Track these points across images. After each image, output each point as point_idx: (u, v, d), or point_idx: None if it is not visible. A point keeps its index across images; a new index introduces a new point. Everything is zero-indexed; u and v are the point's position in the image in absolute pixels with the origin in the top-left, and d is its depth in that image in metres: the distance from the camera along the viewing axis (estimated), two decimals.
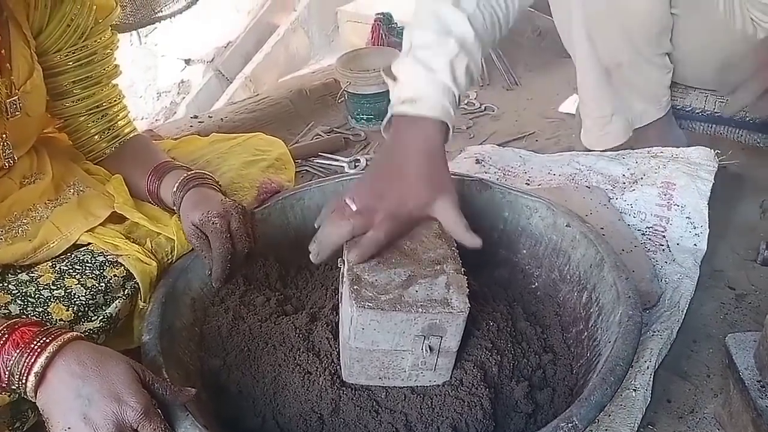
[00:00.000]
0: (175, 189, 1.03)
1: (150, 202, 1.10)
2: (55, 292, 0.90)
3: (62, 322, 0.87)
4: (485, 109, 2.03)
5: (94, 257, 0.96)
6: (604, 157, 1.50)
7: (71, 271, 0.93)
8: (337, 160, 1.76)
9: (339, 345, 0.90)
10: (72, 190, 1.06)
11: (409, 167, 0.92)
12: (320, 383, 0.87)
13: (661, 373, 1.03)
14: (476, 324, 0.92)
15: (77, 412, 0.71)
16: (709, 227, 1.29)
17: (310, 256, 0.90)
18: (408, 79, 0.99)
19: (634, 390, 0.97)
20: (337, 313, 0.94)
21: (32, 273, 0.92)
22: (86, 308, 0.91)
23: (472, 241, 0.90)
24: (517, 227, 1.13)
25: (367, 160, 1.75)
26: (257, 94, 2.18)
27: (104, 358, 0.76)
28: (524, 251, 1.12)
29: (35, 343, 0.74)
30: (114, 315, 0.93)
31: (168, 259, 1.02)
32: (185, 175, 1.04)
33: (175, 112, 3.06)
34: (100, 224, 1.01)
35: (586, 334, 0.94)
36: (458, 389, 0.86)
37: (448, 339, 0.82)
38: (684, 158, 1.41)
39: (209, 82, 3.13)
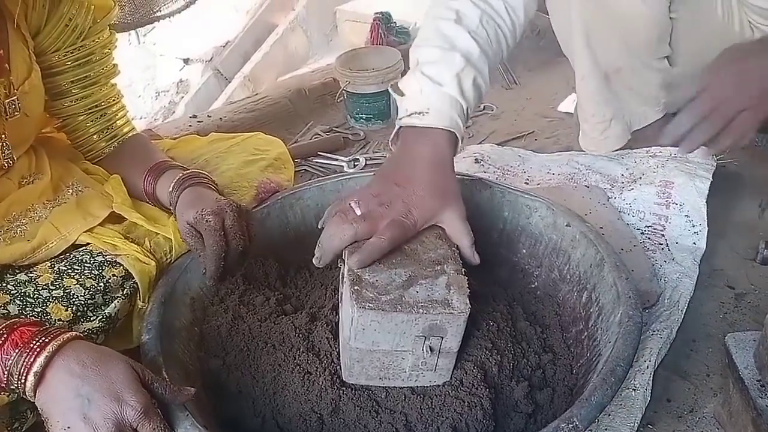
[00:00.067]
0: (170, 188, 1.03)
1: (147, 202, 1.09)
2: (54, 292, 0.90)
3: (61, 322, 0.87)
4: (484, 109, 2.03)
5: (93, 257, 0.96)
6: (603, 157, 1.51)
7: (70, 271, 0.93)
8: (336, 160, 1.75)
9: (339, 345, 0.90)
10: (71, 190, 1.05)
11: (417, 176, 0.92)
12: (320, 383, 0.87)
13: (660, 373, 1.03)
14: (476, 324, 0.92)
15: (77, 411, 0.71)
16: (708, 226, 1.29)
17: (313, 259, 0.90)
18: (416, 94, 1.00)
19: (634, 390, 0.97)
20: (337, 313, 0.94)
21: (31, 273, 0.92)
22: (85, 308, 0.91)
23: (473, 259, 0.92)
24: (517, 227, 1.13)
25: (366, 160, 1.74)
26: (256, 94, 2.18)
27: (104, 358, 0.75)
28: (524, 251, 1.12)
29: (34, 342, 0.74)
30: (113, 315, 0.93)
31: (167, 259, 1.02)
32: (181, 174, 1.04)
33: (174, 112, 3.06)
34: (99, 224, 1.01)
35: (586, 334, 0.94)
36: (458, 389, 0.86)
37: (448, 339, 0.82)
38: (682, 157, 1.42)
39: (208, 81, 3.13)
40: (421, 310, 0.80)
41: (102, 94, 1.12)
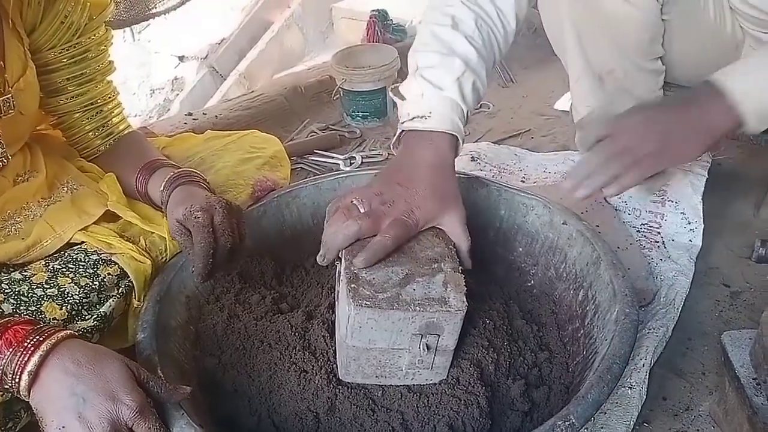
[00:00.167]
0: (162, 187, 1.02)
1: (141, 201, 1.09)
2: (49, 290, 0.89)
3: (56, 321, 0.87)
4: (480, 107, 2.02)
5: (88, 256, 0.95)
6: None
7: (64, 269, 0.93)
8: (333, 158, 1.75)
9: (335, 343, 0.90)
10: (65, 188, 1.05)
11: (419, 178, 0.93)
12: (316, 382, 0.87)
13: (656, 371, 1.03)
14: (473, 322, 0.92)
15: (72, 410, 0.70)
16: (703, 224, 1.29)
17: (317, 257, 0.90)
18: (417, 98, 1.01)
19: (630, 388, 0.97)
20: (333, 312, 0.94)
21: (25, 272, 0.91)
22: (80, 307, 0.90)
23: (466, 263, 0.93)
24: (514, 225, 1.13)
25: (362, 158, 1.74)
26: (252, 91, 2.17)
27: (99, 356, 0.75)
28: (520, 249, 1.12)
29: (28, 341, 0.73)
30: (108, 314, 0.93)
31: (162, 258, 1.01)
32: (172, 173, 1.03)
33: (169, 109, 3.05)
34: (94, 222, 1.00)
35: (582, 332, 0.94)
36: (455, 387, 0.86)
37: (445, 337, 0.82)
38: None
39: (203, 78, 3.12)
40: (417, 308, 0.80)
41: (98, 91, 1.11)
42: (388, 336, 0.82)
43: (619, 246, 1.22)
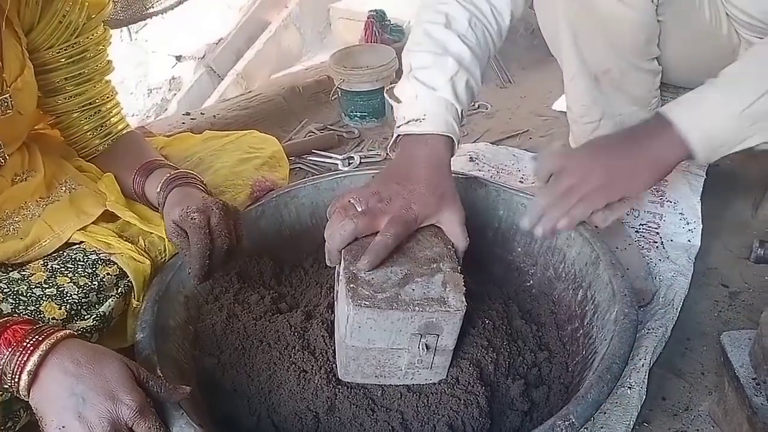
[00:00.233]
0: (158, 189, 1.02)
1: (138, 201, 1.09)
2: (47, 290, 0.89)
3: (55, 321, 0.87)
4: (478, 107, 2.03)
5: (87, 256, 0.95)
6: None
7: (63, 269, 0.92)
8: (331, 158, 1.75)
9: (334, 343, 0.90)
10: (64, 188, 1.05)
11: (416, 175, 0.93)
12: (316, 381, 0.87)
13: (655, 371, 1.04)
14: (472, 322, 0.92)
15: (71, 410, 0.70)
16: (702, 224, 1.30)
17: (326, 261, 0.91)
18: (411, 100, 1.01)
19: (630, 388, 0.97)
20: (332, 311, 0.93)
21: (24, 271, 0.91)
22: (79, 307, 0.90)
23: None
24: (512, 225, 1.13)
25: (360, 158, 1.74)
26: (249, 91, 2.17)
27: (98, 356, 0.75)
28: (519, 249, 1.12)
29: (28, 341, 0.73)
30: (107, 314, 0.93)
31: (161, 258, 1.01)
32: (168, 174, 1.03)
33: (166, 109, 3.04)
34: (93, 222, 1.00)
35: (581, 332, 0.94)
36: (454, 387, 0.86)
37: (444, 337, 0.82)
38: None
39: (200, 78, 3.12)
40: (417, 308, 0.79)
41: (96, 91, 1.11)
42: (387, 336, 0.81)
43: (617, 246, 1.22)
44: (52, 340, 0.74)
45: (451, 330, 0.82)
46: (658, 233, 1.29)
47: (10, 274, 0.91)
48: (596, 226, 1.03)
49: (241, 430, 0.87)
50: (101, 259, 0.95)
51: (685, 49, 1.26)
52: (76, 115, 1.10)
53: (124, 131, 1.16)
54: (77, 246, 0.97)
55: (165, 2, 1.86)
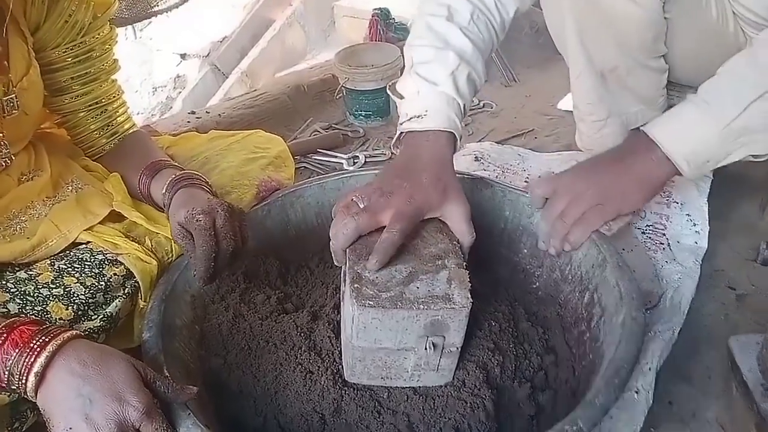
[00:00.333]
0: (164, 190, 1.02)
1: (144, 201, 1.09)
2: (54, 290, 0.89)
3: (62, 321, 0.86)
4: (483, 106, 2.03)
5: (93, 256, 0.95)
6: None
7: (70, 269, 0.92)
8: (336, 157, 1.75)
9: (340, 344, 0.90)
10: (70, 188, 1.05)
11: (418, 168, 0.93)
12: (322, 383, 0.87)
13: (662, 375, 1.03)
14: (478, 324, 0.92)
15: (78, 412, 0.70)
16: (709, 225, 1.29)
17: (334, 261, 0.91)
18: (413, 96, 1.02)
19: (637, 392, 0.96)
20: (339, 312, 0.93)
21: (31, 271, 0.91)
22: (86, 307, 0.90)
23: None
24: (518, 226, 1.12)
25: (365, 157, 1.74)
26: (254, 90, 2.17)
27: (105, 357, 0.75)
28: (525, 250, 1.12)
29: (35, 342, 0.73)
30: (114, 314, 0.93)
31: (168, 258, 1.01)
32: (174, 175, 1.03)
33: (171, 107, 3.05)
34: (99, 222, 1.00)
35: (588, 335, 0.94)
36: (461, 390, 0.85)
37: (451, 335, 0.82)
38: None
39: (205, 76, 3.12)
40: (422, 306, 0.79)
41: (102, 90, 1.11)
42: (394, 335, 0.81)
43: (624, 248, 1.21)
44: (59, 341, 0.74)
45: (458, 327, 0.81)
46: (664, 234, 1.29)
47: (17, 273, 0.91)
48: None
49: (247, 431, 0.87)
50: (108, 260, 0.95)
51: (692, 47, 1.26)
52: (82, 114, 1.10)
53: (131, 130, 1.16)
54: (84, 246, 0.97)
55: (169, 1, 1.86)
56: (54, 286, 0.89)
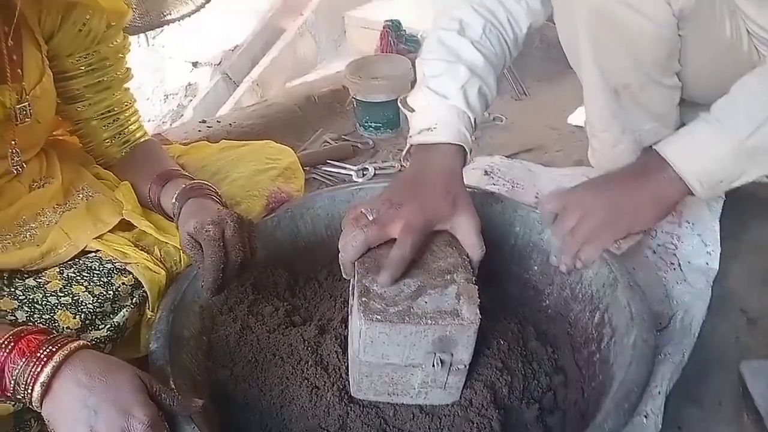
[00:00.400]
0: (174, 199, 1.02)
1: (154, 211, 1.09)
2: (63, 299, 0.89)
3: (69, 330, 0.86)
4: (494, 120, 2.02)
5: (102, 264, 0.95)
6: None
7: (79, 278, 0.92)
8: (345, 168, 1.74)
9: (347, 359, 0.89)
10: (81, 195, 1.05)
11: (428, 180, 0.93)
12: (328, 398, 0.86)
13: (671, 399, 1.01)
14: (486, 342, 0.91)
15: (83, 423, 0.70)
16: (720, 246, 1.28)
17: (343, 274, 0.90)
18: (424, 109, 1.03)
19: (646, 416, 0.95)
20: (346, 327, 0.93)
21: (39, 279, 0.91)
22: (93, 316, 0.89)
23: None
24: (529, 242, 1.11)
25: (375, 169, 1.74)
26: (265, 100, 2.17)
27: (111, 368, 0.74)
28: (535, 267, 1.11)
29: (41, 351, 0.73)
30: (121, 324, 0.92)
31: (176, 269, 1.01)
32: (184, 185, 1.03)
33: (182, 115, 3.06)
34: (109, 231, 1.00)
35: (598, 356, 0.93)
36: (468, 410, 0.84)
37: (459, 352, 0.81)
38: None
39: (216, 85, 3.14)
40: (429, 321, 0.78)
41: (115, 99, 1.11)
42: (401, 351, 0.80)
43: (634, 267, 1.20)
44: (66, 351, 0.73)
45: (466, 344, 0.80)
46: (675, 255, 1.27)
47: (27, 281, 0.90)
48: None
49: None
50: (117, 269, 0.95)
51: (705, 65, 1.26)
52: (94, 122, 1.11)
53: (142, 139, 1.17)
54: (93, 254, 0.97)
55: (183, 10, 1.86)
56: (62, 294, 0.89)
